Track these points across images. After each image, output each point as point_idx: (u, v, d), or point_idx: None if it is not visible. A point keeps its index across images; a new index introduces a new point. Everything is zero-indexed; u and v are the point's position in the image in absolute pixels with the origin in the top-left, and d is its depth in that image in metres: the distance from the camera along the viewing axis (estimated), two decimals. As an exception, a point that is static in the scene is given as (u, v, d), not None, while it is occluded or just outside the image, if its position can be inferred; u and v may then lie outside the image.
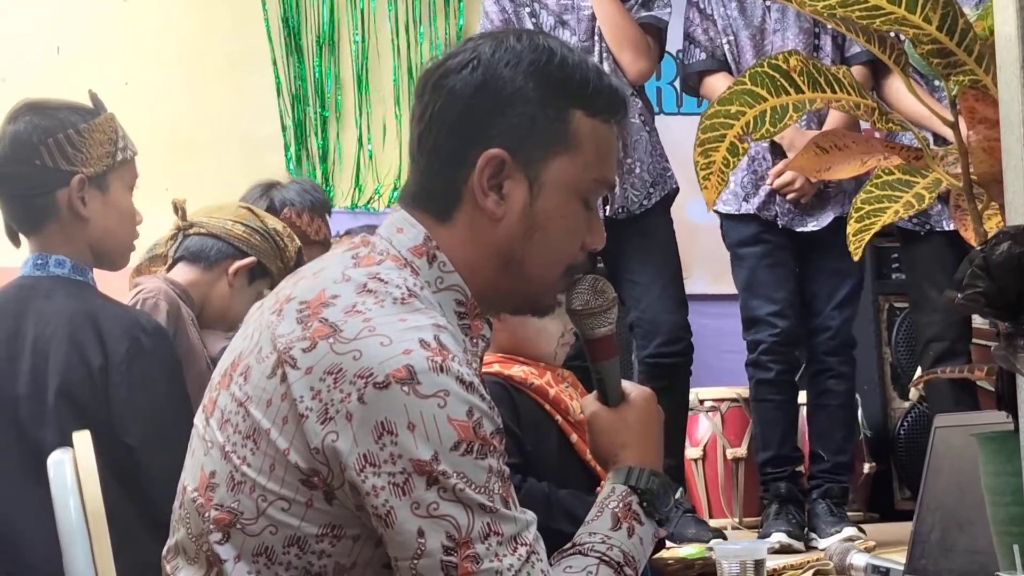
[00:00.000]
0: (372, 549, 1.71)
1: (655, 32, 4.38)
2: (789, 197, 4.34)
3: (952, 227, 4.32)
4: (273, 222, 3.47)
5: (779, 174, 4.33)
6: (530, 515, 1.72)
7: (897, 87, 4.25)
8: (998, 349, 1.60)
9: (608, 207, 4.26)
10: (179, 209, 3.46)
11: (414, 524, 1.64)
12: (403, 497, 1.64)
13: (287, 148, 5.79)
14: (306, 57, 5.84)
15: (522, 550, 1.68)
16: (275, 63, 5.78)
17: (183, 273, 3.40)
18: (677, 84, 5.92)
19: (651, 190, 4.38)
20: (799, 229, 4.38)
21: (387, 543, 1.67)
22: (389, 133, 5.90)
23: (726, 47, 4.39)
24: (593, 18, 4.32)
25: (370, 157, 5.90)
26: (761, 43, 4.36)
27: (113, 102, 2.95)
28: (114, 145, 2.84)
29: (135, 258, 3.48)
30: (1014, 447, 1.71)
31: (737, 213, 4.41)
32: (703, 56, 4.42)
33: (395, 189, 5.89)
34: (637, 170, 4.34)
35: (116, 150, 2.84)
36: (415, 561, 1.65)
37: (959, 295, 1.61)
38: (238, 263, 3.36)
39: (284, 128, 5.79)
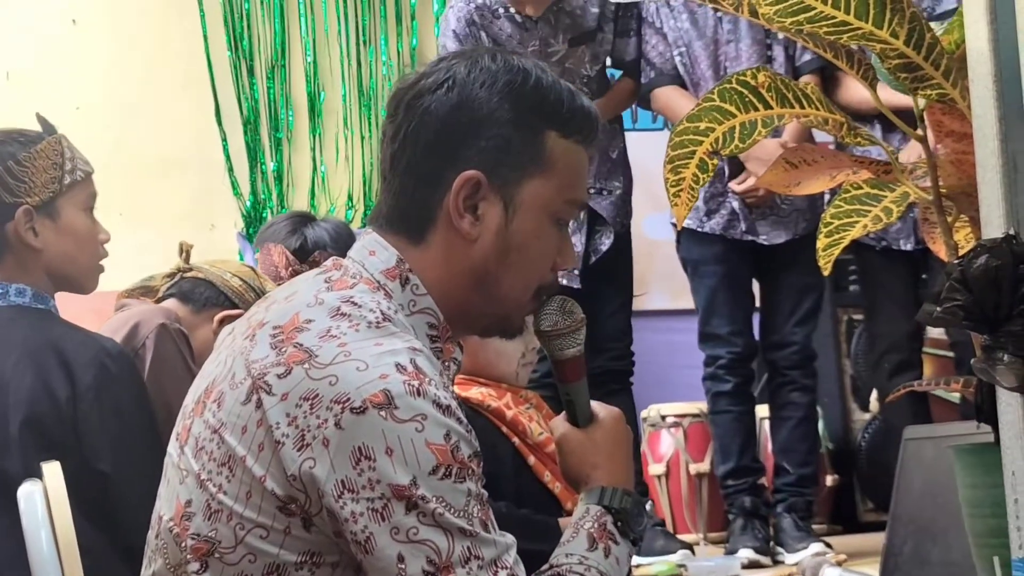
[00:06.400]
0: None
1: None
2: (749, 202, 4.37)
3: (909, 247, 4.38)
4: (272, 288, 3.43)
5: (742, 182, 4.36)
6: (509, 538, 1.71)
7: (847, 84, 4.31)
8: (978, 362, 1.60)
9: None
10: (184, 251, 3.43)
11: (394, 550, 1.63)
12: (382, 523, 1.62)
13: (230, 172, 5.76)
14: (258, 79, 5.82)
15: (503, 573, 1.66)
16: (214, 86, 5.76)
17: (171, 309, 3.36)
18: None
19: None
20: (768, 243, 4.40)
21: (367, 570, 1.65)
22: (341, 154, 5.89)
23: (678, 59, 4.43)
24: (563, 61, 4.37)
25: (323, 179, 5.88)
26: (715, 53, 4.40)
27: (64, 127, 2.91)
28: (60, 169, 2.79)
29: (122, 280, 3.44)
30: (993, 459, 1.72)
31: (699, 231, 4.43)
32: (652, 74, 4.49)
33: (349, 209, 5.88)
34: None
35: (63, 174, 2.79)
36: (396, 587, 1.63)
37: (937, 308, 1.61)
38: (226, 312, 3.31)
39: (226, 152, 5.76)
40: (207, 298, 3.32)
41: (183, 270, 3.41)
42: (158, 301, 3.38)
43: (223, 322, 3.29)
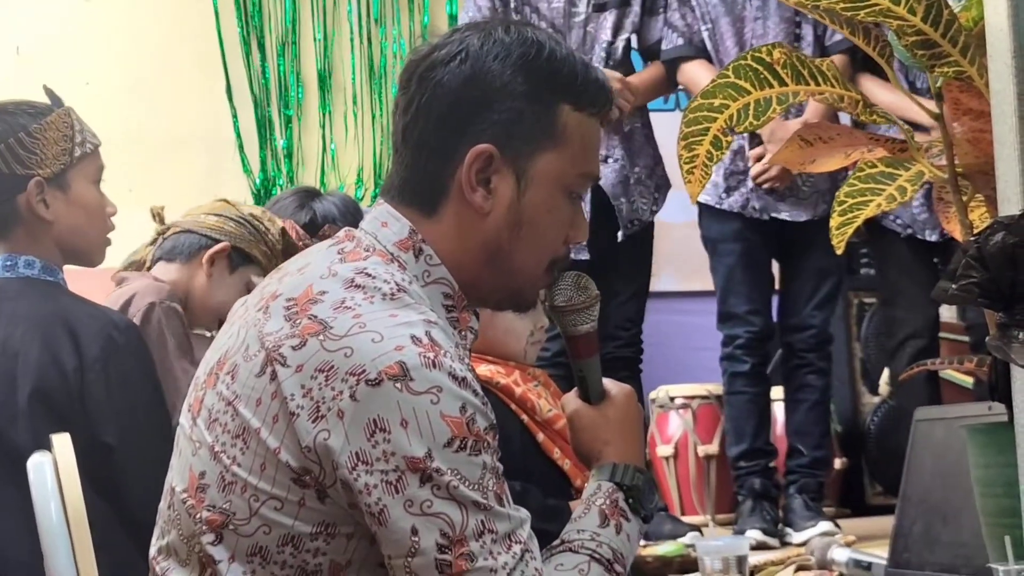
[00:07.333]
0: (367, 546, 1.69)
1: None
2: (765, 186, 4.35)
3: (934, 238, 4.37)
4: (250, 209, 3.44)
5: (758, 158, 4.32)
6: (524, 512, 1.71)
7: (869, 87, 4.26)
8: (992, 339, 1.60)
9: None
10: (156, 215, 3.43)
11: (407, 522, 1.63)
12: (396, 495, 1.62)
13: (240, 149, 5.76)
14: (268, 56, 5.82)
15: (516, 548, 1.66)
16: (225, 63, 5.75)
17: (163, 272, 3.37)
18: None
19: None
20: (790, 219, 4.38)
21: (381, 541, 1.66)
22: (350, 132, 5.88)
23: (705, 34, 4.39)
24: (585, 24, 4.34)
25: (333, 156, 5.88)
26: (741, 30, 4.36)
27: (74, 102, 2.90)
28: (70, 141, 2.80)
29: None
30: (1005, 439, 1.71)
31: (718, 207, 4.41)
32: (680, 41, 4.42)
33: (358, 187, 5.88)
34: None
35: (73, 146, 2.80)
36: (409, 559, 1.63)
37: (953, 285, 1.60)
38: (211, 250, 3.33)
39: (237, 129, 5.76)
40: (189, 246, 3.36)
41: (161, 232, 3.43)
42: (148, 268, 3.40)
43: (212, 261, 3.31)
